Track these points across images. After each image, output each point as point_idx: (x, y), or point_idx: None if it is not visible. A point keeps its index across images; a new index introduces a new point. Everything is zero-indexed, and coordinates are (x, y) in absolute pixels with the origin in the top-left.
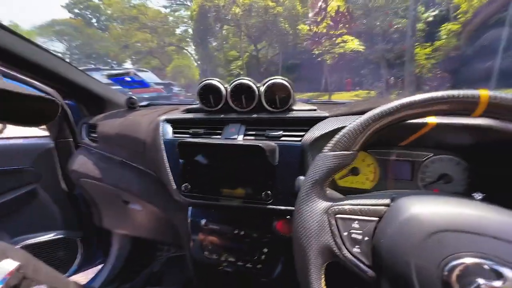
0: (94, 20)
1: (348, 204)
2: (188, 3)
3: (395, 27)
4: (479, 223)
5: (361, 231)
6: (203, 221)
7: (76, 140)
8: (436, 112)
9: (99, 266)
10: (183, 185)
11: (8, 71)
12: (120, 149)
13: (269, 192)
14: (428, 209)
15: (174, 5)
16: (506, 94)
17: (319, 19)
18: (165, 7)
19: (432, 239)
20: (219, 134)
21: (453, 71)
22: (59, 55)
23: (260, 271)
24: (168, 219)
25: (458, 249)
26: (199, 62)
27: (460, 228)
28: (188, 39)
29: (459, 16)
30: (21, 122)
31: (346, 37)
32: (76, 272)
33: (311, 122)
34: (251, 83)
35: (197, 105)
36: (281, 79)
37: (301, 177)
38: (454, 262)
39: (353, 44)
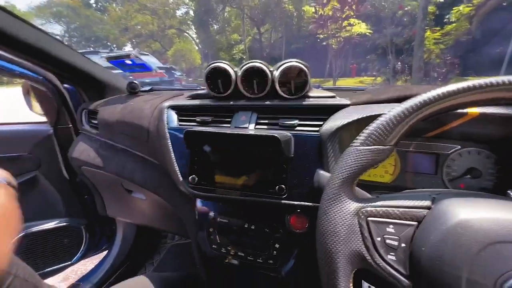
0: (92, 1)
1: (382, 205)
2: None
3: (405, 9)
4: None
5: (397, 237)
6: (211, 214)
7: (76, 127)
8: (495, 100)
9: (104, 253)
10: (190, 176)
11: (4, 53)
12: (122, 136)
13: (283, 186)
14: (481, 215)
15: None
16: None
17: (325, 1)
18: None
19: (488, 251)
20: (229, 122)
21: (463, 56)
22: (58, 37)
23: (271, 266)
24: (173, 210)
25: None
26: (200, 46)
27: None
28: (189, 22)
29: None
30: None
31: (352, 20)
32: (81, 258)
33: (330, 110)
34: (264, 67)
35: (203, 90)
36: (297, 61)
37: (322, 172)
38: None
39: (360, 27)
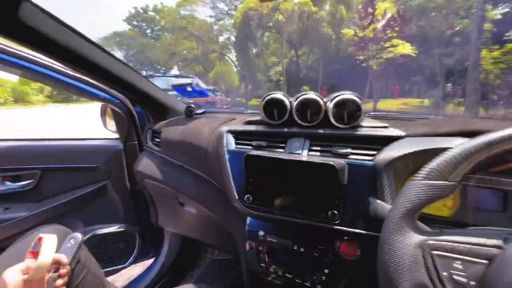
0: (148, 31)
1: (447, 240)
2: (233, 12)
3: (456, 29)
4: None
5: (465, 274)
6: (261, 233)
7: (141, 144)
8: None
9: (151, 260)
10: (246, 196)
11: (87, 79)
12: (181, 154)
13: (335, 211)
14: None
15: (220, 14)
16: None
17: (366, 24)
18: (211, 16)
19: None
20: (283, 147)
21: None
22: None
23: None
24: (221, 225)
25: None
26: (239, 68)
27: None
28: (230, 47)
29: None
30: None
31: (396, 41)
32: (132, 263)
33: (384, 141)
34: (317, 98)
35: (258, 116)
36: (351, 94)
37: (379, 201)
38: None
39: (404, 48)
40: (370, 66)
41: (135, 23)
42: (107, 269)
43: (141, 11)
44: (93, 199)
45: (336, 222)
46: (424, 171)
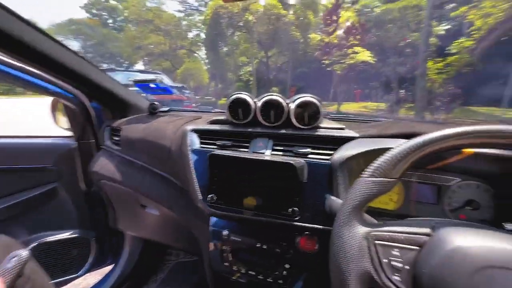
0: (110, 21)
1: (388, 230)
2: (202, 9)
3: (407, 41)
4: None
5: (401, 259)
6: (224, 232)
7: (98, 142)
8: (489, 145)
9: (110, 267)
10: (209, 195)
11: (36, 71)
12: (143, 154)
13: (295, 208)
14: (474, 243)
15: (189, 10)
16: None
17: (330, 30)
18: (180, 11)
19: (479, 275)
20: (247, 147)
21: (465, 87)
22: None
23: (280, 286)
24: (185, 226)
25: (507, 287)
26: (209, 66)
27: (508, 265)
28: (199, 44)
29: (473, 32)
30: None
31: (357, 49)
32: (88, 271)
33: (340, 141)
34: (281, 99)
35: (223, 116)
36: (311, 96)
37: (333, 198)
38: None
39: (364, 55)
40: (334, 71)
41: (94, 11)
42: (58, 280)
43: None
44: (41, 203)
45: (296, 218)
46: (370, 169)
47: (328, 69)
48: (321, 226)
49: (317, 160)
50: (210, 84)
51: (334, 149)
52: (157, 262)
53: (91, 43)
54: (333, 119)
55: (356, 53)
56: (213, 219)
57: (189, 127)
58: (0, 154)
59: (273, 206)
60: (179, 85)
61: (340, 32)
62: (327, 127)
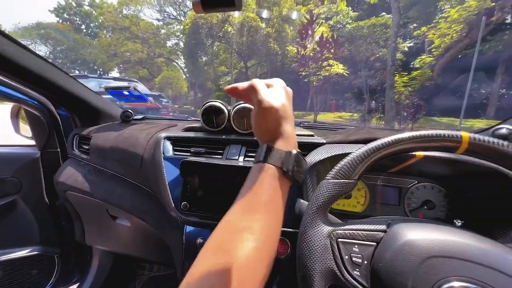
0: (83, 27)
1: (349, 229)
2: (182, 18)
3: (376, 55)
4: (464, 250)
5: (360, 255)
6: (199, 240)
7: (64, 151)
8: (426, 148)
9: (75, 285)
10: (182, 203)
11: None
12: (114, 162)
13: None
14: (421, 236)
15: (167, 19)
16: (484, 137)
17: (306, 43)
18: (158, 19)
19: (426, 264)
20: (221, 154)
21: (428, 99)
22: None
23: None
24: (159, 237)
25: (449, 273)
26: (187, 75)
27: (449, 254)
28: (178, 52)
29: (433, 50)
30: None
31: (331, 61)
32: None
33: (309, 147)
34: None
35: (197, 123)
36: None
37: (302, 200)
38: (445, 286)
39: (338, 68)
40: (311, 82)
41: (66, 16)
42: None
43: (74, 3)
44: None
45: None
46: (332, 172)
47: (305, 80)
48: (291, 229)
49: None
50: (189, 93)
51: (304, 154)
52: (129, 277)
53: (61, 48)
54: (305, 127)
55: (331, 65)
56: (187, 228)
57: (163, 134)
58: None
59: None
60: (156, 93)
61: (315, 45)
62: (298, 134)
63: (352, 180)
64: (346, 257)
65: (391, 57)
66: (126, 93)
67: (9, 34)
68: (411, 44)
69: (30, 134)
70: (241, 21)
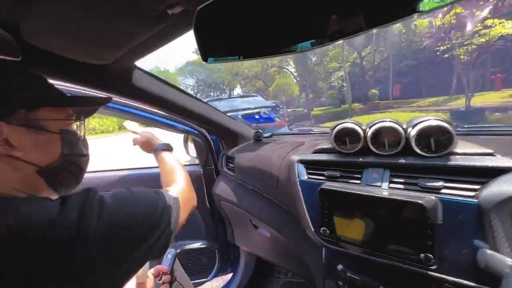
0: None
1: None
2: None
3: None
4: None
5: None
6: (339, 267)
7: (216, 168)
8: None
9: (230, 275)
10: (321, 228)
11: (174, 116)
12: (253, 180)
13: (429, 255)
14: None
15: None
16: None
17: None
18: None
19: None
20: (358, 178)
21: None
22: (192, 91)
23: None
24: (295, 251)
25: None
26: (298, 79)
27: None
28: (288, 59)
29: None
30: None
31: (490, 22)
32: (214, 277)
33: (490, 172)
34: (395, 125)
35: (328, 144)
36: (436, 119)
37: (490, 252)
38: None
39: (504, 27)
40: (456, 57)
41: None
42: (193, 281)
43: None
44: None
45: (432, 267)
46: None
47: (445, 56)
48: (473, 284)
49: (456, 198)
50: (301, 95)
51: (482, 183)
52: (269, 277)
53: (201, 77)
54: (467, 134)
55: (490, 27)
56: (327, 251)
57: (295, 157)
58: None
59: (397, 248)
60: (273, 104)
61: (458, 9)
62: (466, 153)
63: None
64: None
65: None
66: (257, 116)
67: (179, 88)
68: None
69: (195, 154)
70: None
